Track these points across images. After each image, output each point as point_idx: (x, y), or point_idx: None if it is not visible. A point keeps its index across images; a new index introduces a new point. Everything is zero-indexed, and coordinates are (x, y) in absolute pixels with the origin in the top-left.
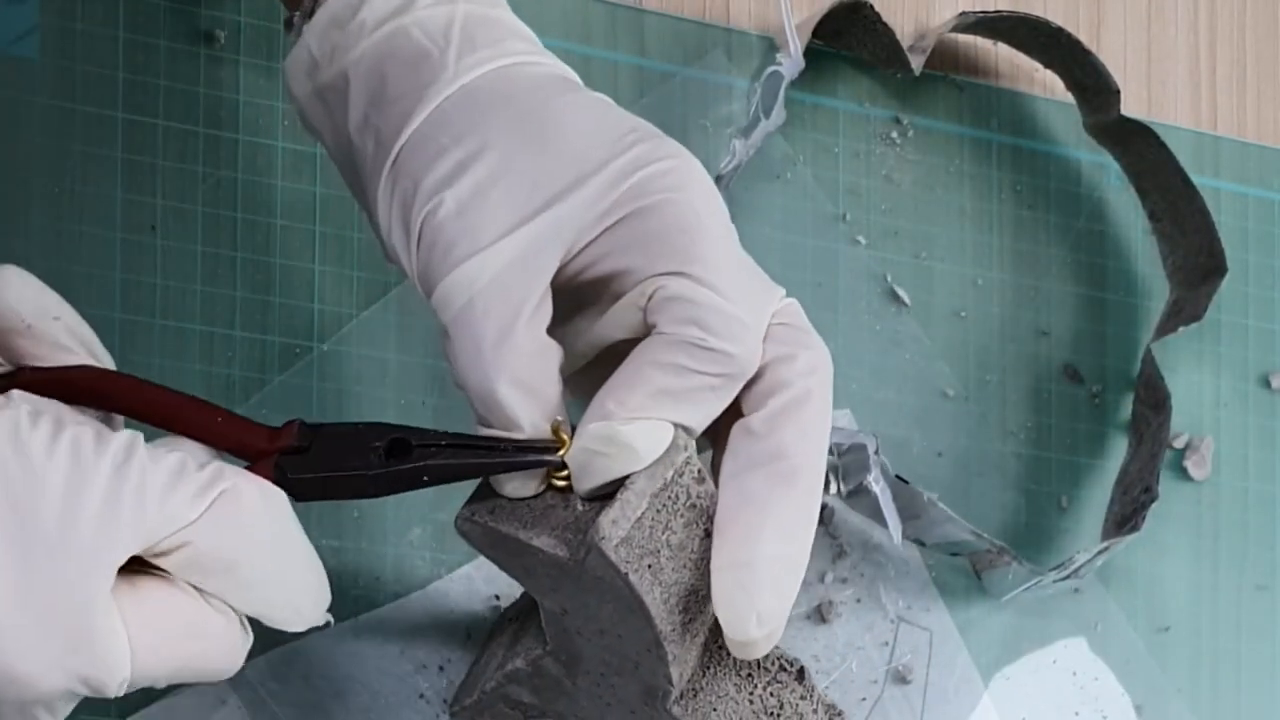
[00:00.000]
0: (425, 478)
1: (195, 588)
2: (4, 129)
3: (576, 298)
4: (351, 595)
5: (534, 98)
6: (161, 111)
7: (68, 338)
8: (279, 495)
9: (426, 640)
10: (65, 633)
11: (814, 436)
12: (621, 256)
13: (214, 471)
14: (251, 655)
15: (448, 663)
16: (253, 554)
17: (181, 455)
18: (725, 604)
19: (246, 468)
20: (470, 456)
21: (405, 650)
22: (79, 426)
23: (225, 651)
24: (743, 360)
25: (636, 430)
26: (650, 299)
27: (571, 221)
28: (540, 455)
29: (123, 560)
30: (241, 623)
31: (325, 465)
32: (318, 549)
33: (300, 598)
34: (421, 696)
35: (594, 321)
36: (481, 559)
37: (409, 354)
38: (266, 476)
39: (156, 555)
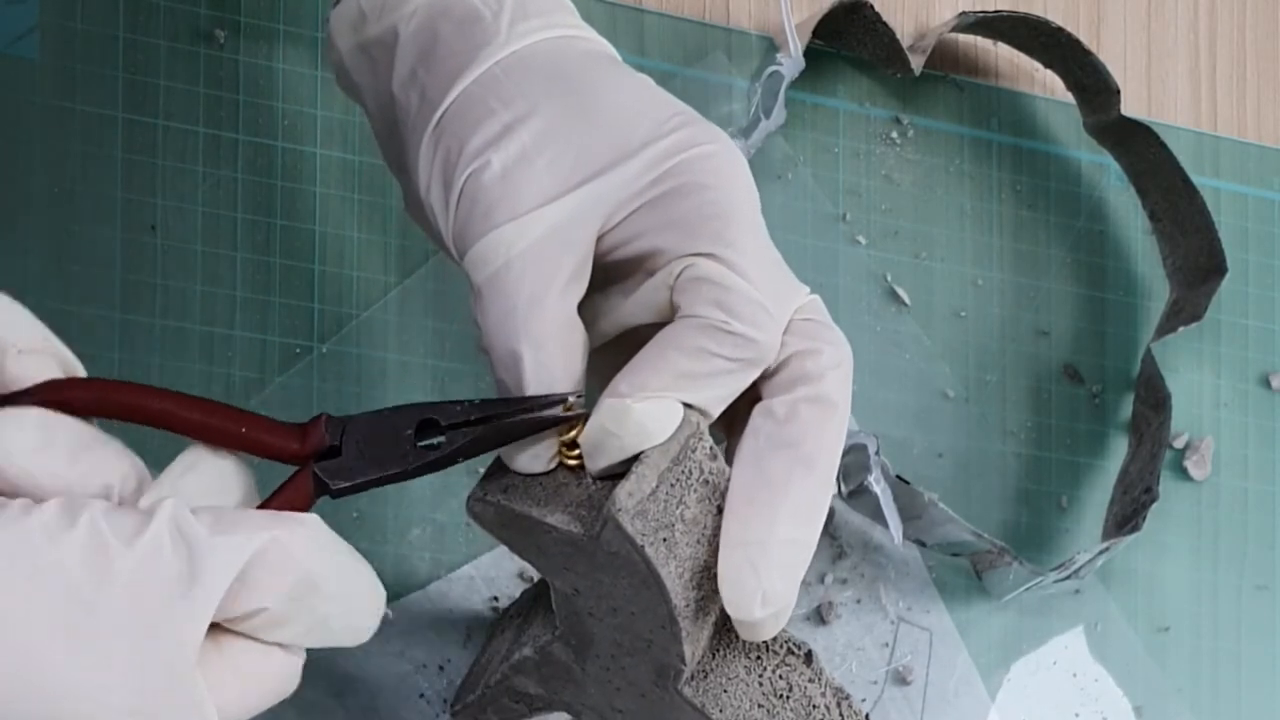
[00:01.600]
0: (460, 459)
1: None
2: (4, 129)
3: (606, 276)
4: None
5: (583, 71)
6: (161, 111)
7: (54, 363)
8: (318, 529)
9: (426, 640)
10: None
11: (834, 428)
12: (655, 236)
13: (254, 527)
14: None
15: (448, 663)
16: (310, 601)
17: (221, 518)
18: (732, 581)
19: (284, 485)
20: (495, 429)
21: (405, 650)
22: (111, 512)
23: (290, 681)
24: (764, 346)
25: (648, 409)
26: (678, 278)
27: (611, 196)
28: (556, 414)
29: (200, 637)
30: (303, 653)
31: (363, 468)
32: None
33: (361, 618)
34: (422, 696)
35: (620, 301)
36: (481, 559)
37: (409, 354)
38: (304, 492)
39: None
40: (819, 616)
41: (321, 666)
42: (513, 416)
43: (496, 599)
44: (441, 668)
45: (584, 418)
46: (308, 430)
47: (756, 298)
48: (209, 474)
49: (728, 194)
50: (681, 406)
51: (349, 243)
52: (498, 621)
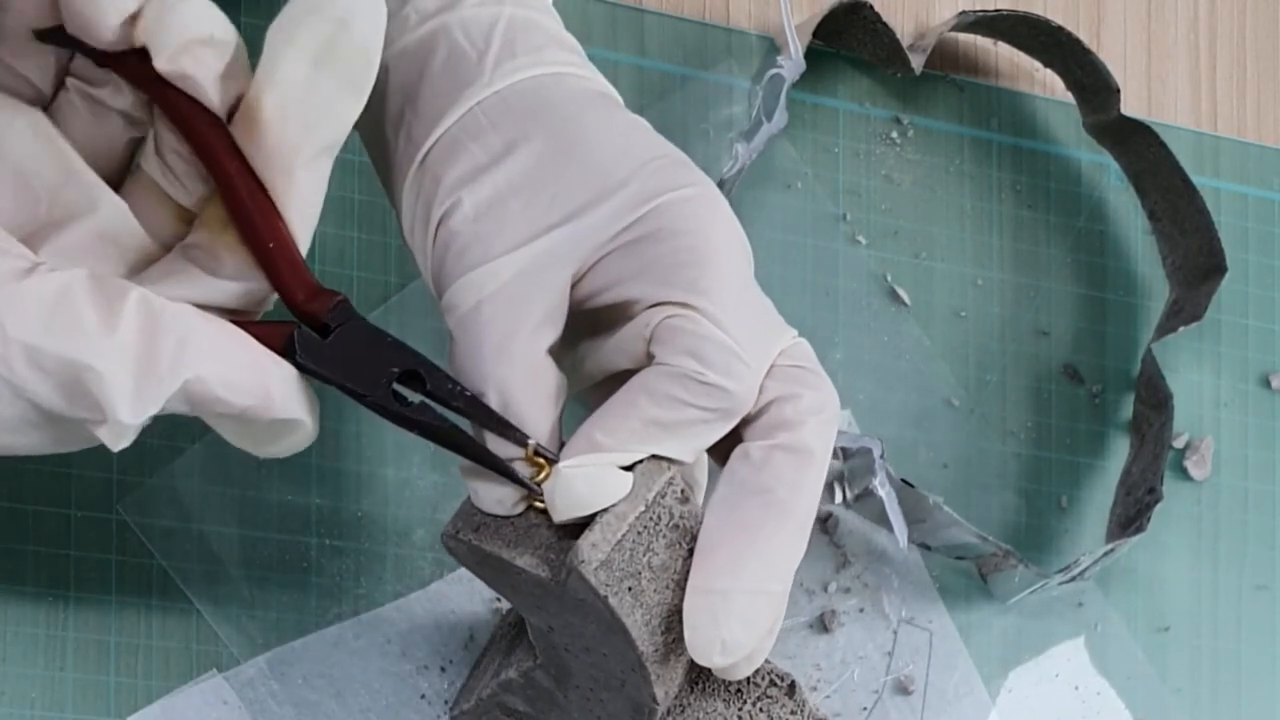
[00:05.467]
0: (416, 431)
1: None
2: None
3: (590, 321)
4: (353, 595)
5: (565, 111)
6: None
7: (219, 80)
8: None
9: (428, 641)
10: None
11: (811, 476)
12: (631, 283)
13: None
14: (251, 655)
15: (449, 664)
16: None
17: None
18: (692, 628)
19: (264, 324)
20: (461, 435)
21: (406, 651)
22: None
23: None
24: (738, 397)
25: (589, 476)
26: (653, 328)
27: (585, 240)
28: (515, 475)
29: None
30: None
31: (333, 365)
32: (320, 544)
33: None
34: (423, 697)
35: (603, 346)
36: None
37: None
38: (276, 342)
39: None
40: (821, 624)
41: (321, 666)
42: (489, 427)
43: (498, 600)
44: (443, 669)
45: (551, 461)
46: (320, 295)
47: (731, 347)
48: (220, 258)
49: (704, 239)
50: (626, 474)
51: (349, 243)
52: (499, 626)
